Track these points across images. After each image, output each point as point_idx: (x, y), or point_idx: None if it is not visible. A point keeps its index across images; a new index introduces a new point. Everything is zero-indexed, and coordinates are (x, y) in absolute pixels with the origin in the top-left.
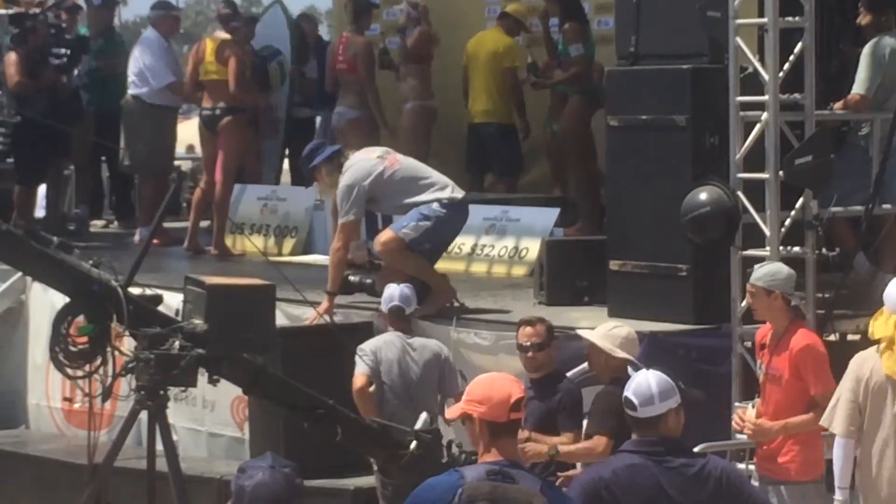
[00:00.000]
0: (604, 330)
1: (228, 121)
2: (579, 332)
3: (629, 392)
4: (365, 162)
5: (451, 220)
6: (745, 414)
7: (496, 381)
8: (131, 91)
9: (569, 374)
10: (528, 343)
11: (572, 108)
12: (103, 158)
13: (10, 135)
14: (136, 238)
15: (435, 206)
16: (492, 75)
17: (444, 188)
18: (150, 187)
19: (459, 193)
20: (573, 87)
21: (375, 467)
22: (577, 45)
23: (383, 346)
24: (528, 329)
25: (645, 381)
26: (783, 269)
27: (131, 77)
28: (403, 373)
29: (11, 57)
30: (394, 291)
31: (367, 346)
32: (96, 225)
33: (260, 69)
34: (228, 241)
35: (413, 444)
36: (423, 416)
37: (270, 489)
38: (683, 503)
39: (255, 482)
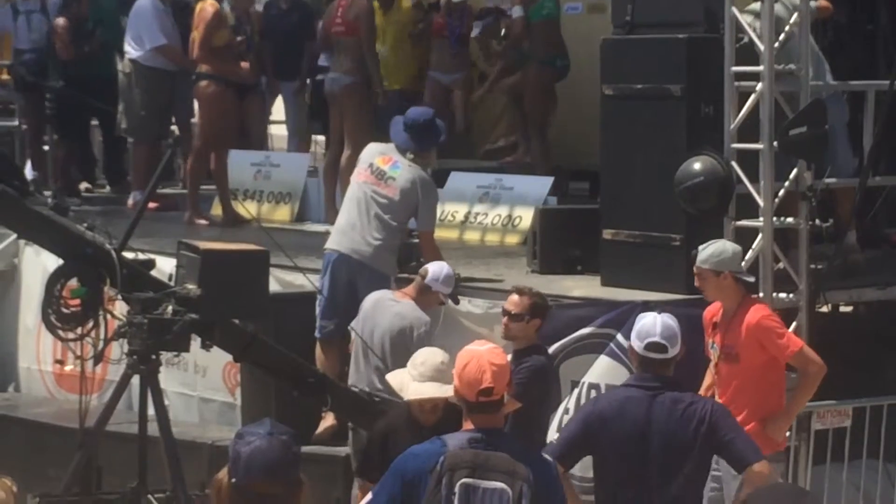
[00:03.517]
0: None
1: (196, 87)
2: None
3: (655, 336)
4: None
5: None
6: None
7: (472, 362)
8: (128, 55)
9: (552, 347)
10: (508, 310)
11: (532, 75)
12: (95, 122)
13: (56, 99)
14: (130, 201)
15: None
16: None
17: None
18: (145, 151)
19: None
20: (535, 55)
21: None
22: (518, 6)
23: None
24: (514, 297)
25: (668, 323)
26: (728, 247)
27: (128, 40)
28: (367, 332)
29: (60, 23)
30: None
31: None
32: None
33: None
34: (219, 209)
35: None
36: None
37: (266, 456)
38: (667, 436)
39: (251, 448)
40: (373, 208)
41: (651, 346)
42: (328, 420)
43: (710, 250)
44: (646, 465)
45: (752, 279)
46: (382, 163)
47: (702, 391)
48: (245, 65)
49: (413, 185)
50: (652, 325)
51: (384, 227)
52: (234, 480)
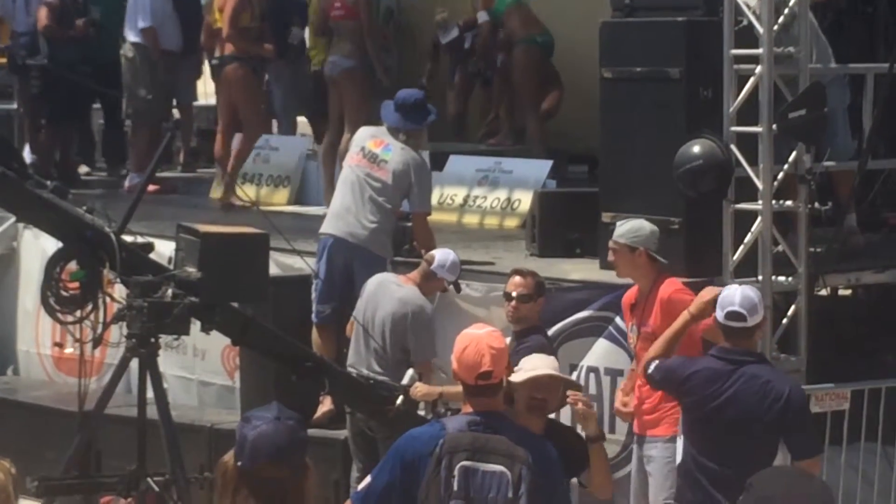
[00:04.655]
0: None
1: (225, 71)
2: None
3: (735, 305)
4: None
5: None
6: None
7: (471, 346)
8: (129, 38)
9: (551, 330)
10: (514, 293)
11: (517, 58)
12: (97, 105)
13: (40, 77)
14: (127, 184)
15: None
16: None
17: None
18: (145, 134)
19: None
20: (513, 38)
21: (349, 419)
22: (482, 11)
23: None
24: (518, 279)
25: (748, 294)
26: (646, 226)
27: (127, 22)
28: (368, 314)
29: (44, 4)
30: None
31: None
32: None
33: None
34: (219, 192)
35: (399, 400)
36: (410, 372)
37: (272, 440)
38: (742, 410)
39: (258, 432)
40: (366, 191)
41: (731, 315)
42: (326, 404)
43: (628, 226)
44: (723, 436)
45: (665, 262)
46: (374, 146)
47: (619, 398)
48: (269, 47)
49: (406, 166)
50: (732, 295)
51: (379, 210)
52: (239, 464)
